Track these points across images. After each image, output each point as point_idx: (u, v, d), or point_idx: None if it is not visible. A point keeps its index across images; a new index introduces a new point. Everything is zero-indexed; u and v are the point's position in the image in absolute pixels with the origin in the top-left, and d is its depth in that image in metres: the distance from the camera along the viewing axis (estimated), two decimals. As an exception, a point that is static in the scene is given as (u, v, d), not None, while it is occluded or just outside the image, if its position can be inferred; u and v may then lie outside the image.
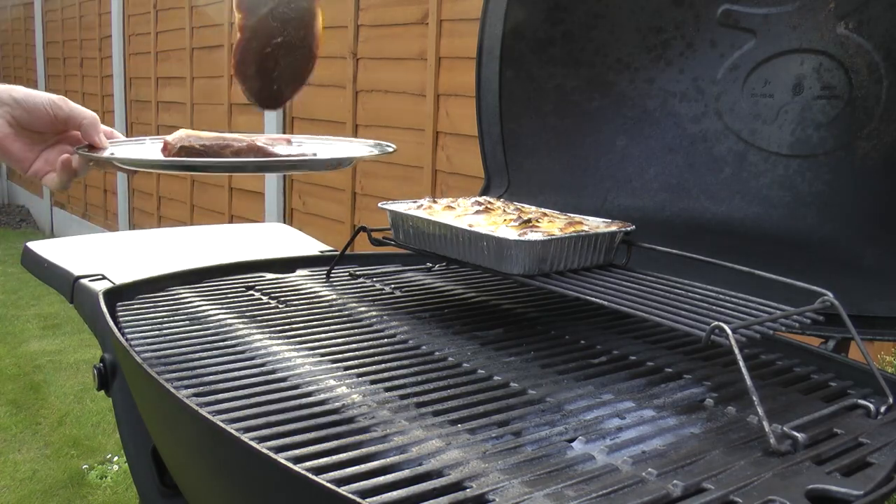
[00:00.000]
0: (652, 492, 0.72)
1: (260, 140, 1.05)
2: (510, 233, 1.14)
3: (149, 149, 1.13)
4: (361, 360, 1.02)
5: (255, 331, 1.13)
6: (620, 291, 1.08)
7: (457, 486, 0.71)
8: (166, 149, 1.05)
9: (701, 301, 1.04)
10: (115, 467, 3.03)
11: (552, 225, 1.21)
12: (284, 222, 4.09)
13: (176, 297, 1.26)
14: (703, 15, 1.47)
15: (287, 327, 1.15)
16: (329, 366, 1.00)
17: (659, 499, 0.71)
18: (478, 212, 1.28)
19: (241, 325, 1.15)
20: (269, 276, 1.42)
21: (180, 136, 1.09)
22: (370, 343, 1.10)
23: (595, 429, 0.85)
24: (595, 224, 1.23)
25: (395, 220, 1.31)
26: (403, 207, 1.30)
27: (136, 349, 0.99)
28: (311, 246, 1.80)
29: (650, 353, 1.11)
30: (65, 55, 7.49)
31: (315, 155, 1.06)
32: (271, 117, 4.14)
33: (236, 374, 0.96)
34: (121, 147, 1.11)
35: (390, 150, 1.12)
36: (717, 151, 1.50)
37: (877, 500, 0.72)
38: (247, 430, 0.80)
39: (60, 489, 2.89)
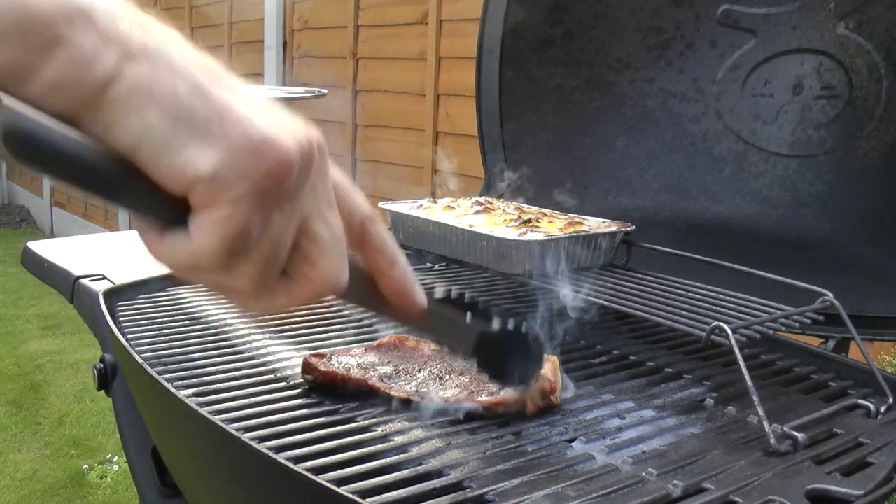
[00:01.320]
0: (652, 492, 0.72)
1: None
2: (510, 233, 1.14)
3: None
4: (361, 360, 1.02)
5: (254, 331, 1.12)
6: (620, 291, 1.08)
7: (457, 486, 0.71)
8: None
9: (701, 301, 1.04)
10: (115, 467, 3.04)
11: (552, 225, 1.21)
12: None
13: (176, 297, 1.26)
14: (703, 15, 1.47)
15: (287, 327, 1.15)
16: (329, 366, 1.00)
17: (659, 499, 0.71)
18: (478, 212, 1.28)
19: (241, 325, 1.14)
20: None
21: None
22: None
23: (595, 429, 0.85)
24: (595, 224, 1.23)
25: (395, 220, 1.31)
26: (403, 207, 1.30)
27: (136, 349, 0.99)
28: (311, 246, 1.79)
29: (650, 353, 1.11)
30: (65, 55, 7.47)
31: None
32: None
33: (236, 374, 0.96)
34: None
35: (323, 92, 1.07)
36: (717, 151, 1.50)
37: (877, 500, 0.72)
38: (247, 430, 0.80)
39: (60, 489, 2.89)
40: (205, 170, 0.39)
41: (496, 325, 0.74)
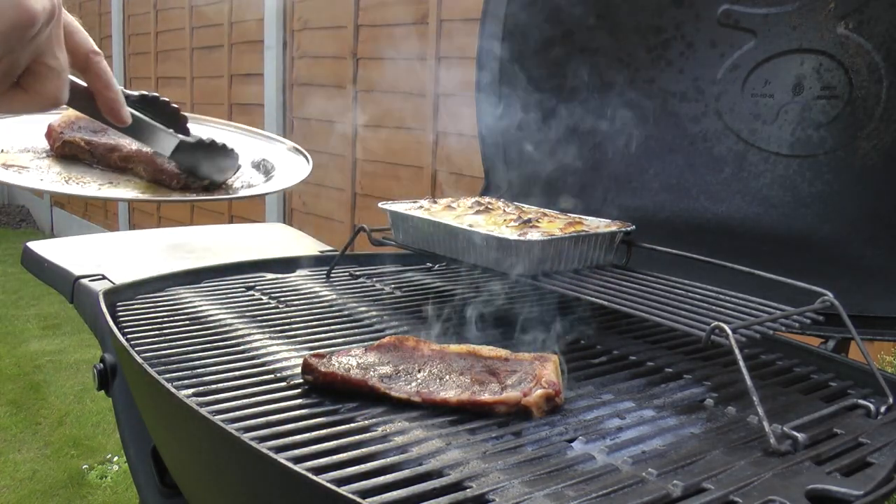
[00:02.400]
0: (652, 492, 0.72)
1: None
2: (510, 233, 1.14)
3: (26, 130, 1.09)
4: (361, 360, 1.02)
5: (255, 331, 1.13)
6: (620, 291, 1.08)
7: (457, 486, 0.71)
8: (50, 135, 1.00)
9: (701, 301, 1.04)
10: (115, 467, 3.04)
11: (552, 225, 1.21)
12: (284, 222, 4.09)
13: (176, 297, 1.26)
14: (703, 15, 1.47)
15: (287, 327, 1.15)
16: (329, 366, 1.00)
17: (659, 499, 0.71)
18: (478, 212, 1.28)
19: (241, 325, 1.15)
20: (269, 276, 1.42)
21: (67, 119, 1.02)
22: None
23: (595, 429, 0.85)
24: (595, 224, 1.23)
25: (395, 220, 1.31)
26: (403, 207, 1.30)
27: (136, 349, 0.99)
28: (311, 246, 1.80)
29: (650, 353, 1.11)
30: (65, 55, 7.47)
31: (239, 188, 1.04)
32: (271, 119, 4.14)
33: (236, 374, 0.96)
34: None
35: (305, 172, 1.12)
36: (717, 151, 1.50)
37: (877, 500, 0.72)
38: (247, 430, 0.80)
39: (60, 489, 2.89)
40: None
41: (193, 137, 0.97)
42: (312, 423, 0.83)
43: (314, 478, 0.67)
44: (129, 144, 1.05)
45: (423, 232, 1.25)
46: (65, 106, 0.70)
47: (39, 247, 1.62)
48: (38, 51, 0.63)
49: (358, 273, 1.47)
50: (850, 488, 0.72)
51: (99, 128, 1.07)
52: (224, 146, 1.01)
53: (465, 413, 0.86)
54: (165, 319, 1.15)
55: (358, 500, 0.65)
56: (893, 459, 0.80)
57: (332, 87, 3.75)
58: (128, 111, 0.78)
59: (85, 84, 0.76)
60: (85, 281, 1.39)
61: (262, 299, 1.28)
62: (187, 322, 1.15)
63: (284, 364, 1.00)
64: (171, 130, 0.94)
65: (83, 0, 6.95)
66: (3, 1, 0.58)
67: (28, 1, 0.59)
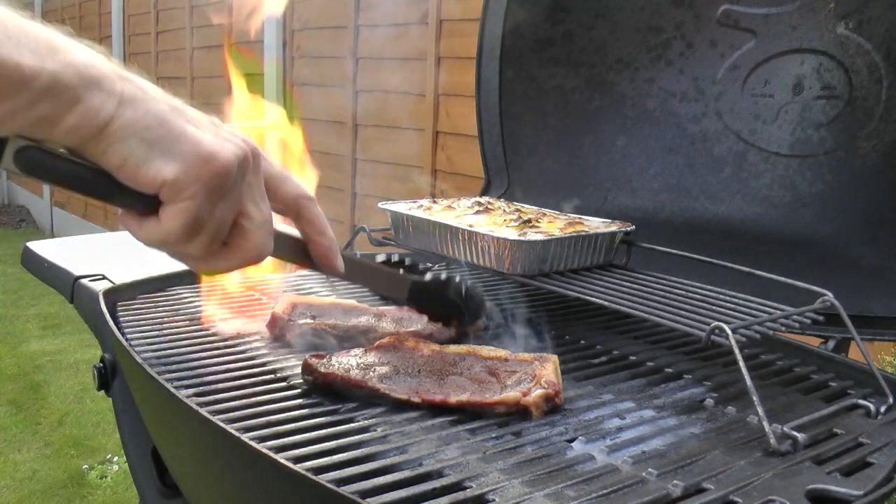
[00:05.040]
0: (652, 492, 0.72)
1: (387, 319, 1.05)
2: (510, 233, 1.14)
3: None
4: (361, 360, 1.02)
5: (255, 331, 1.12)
6: (620, 291, 1.08)
7: (457, 486, 0.71)
8: (275, 324, 1.06)
9: (701, 301, 1.04)
10: (115, 467, 3.04)
11: (552, 225, 1.21)
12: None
13: (176, 297, 1.26)
14: (703, 15, 1.47)
15: (287, 327, 1.15)
16: (329, 366, 1.00)
17: (659, 499, 0.71)
18: (478, 212, 1.28)
19: (241, 325, 1.14)
20: (269, 275, 1.42)
21: (290, 305, 1.07)
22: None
23: (595, 429, 0.85)
24: (595, 224, 1.23)
25: (395, 220, 1.31)
26: (403, 207, 1.30)
27: (136, 349, 0.99)
28: (311, 246, 1.79)
29: (650, 353, 1.11)
30: (65, 55, 7.47)
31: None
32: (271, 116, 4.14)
33: (236, 374, 0.96)
34: None
35: None
36: (717, 151, 1.50)
37: (877, 500, 0.72)
38: (247, 429, 0.80)
39: (60, 489, 2.89)
40: (169, 176, 0.58)
41: (428, 276, 0.90)
42: (312, 423, 0.83)
43: (314, 478, 0.67)
44: (385, 325, 1.06)
45: (423, 232, 1.25)
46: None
47: (39, 247, 1.62)
48: (238, 203, 0.62)
49: (358, 273, 1.47)
50: (850, 488, 0.72)
51: (324, 308, 1.09)
52: (468, 292, 0.92)
53: (464, 413, 0.86)
54: (165, 319, 1.15)
55: (358, 500, 0.65)
56: (893, 459, 0.80)
57: (332, 88, 3.75)
58: (341, 260, 0.76)
59: (296, 233, 0.74)
60: (85, 281, 1.39)
61: (262, 299, 1.28)
62: (187, 322, 1.15)
63: (284, 364, 1.00)
64: (399, 271, 0.89)
65: (83, 0, 6.95)
66: (190, 155, 0.57)
67: (218, 154, 0.59)
